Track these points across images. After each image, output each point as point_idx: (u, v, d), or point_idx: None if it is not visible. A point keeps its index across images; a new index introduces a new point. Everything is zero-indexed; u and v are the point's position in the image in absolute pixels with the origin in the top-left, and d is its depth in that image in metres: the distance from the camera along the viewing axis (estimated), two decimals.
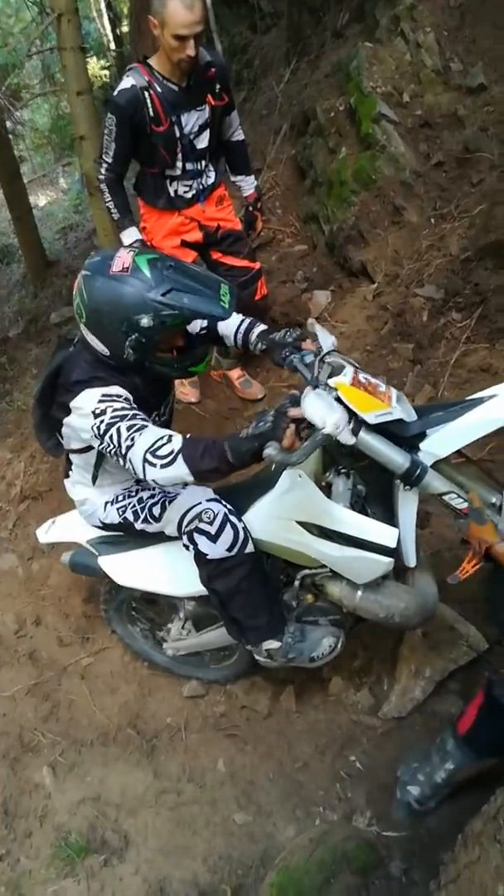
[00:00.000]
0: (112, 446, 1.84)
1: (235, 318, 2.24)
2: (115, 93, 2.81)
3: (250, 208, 3.37)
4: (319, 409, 1.71)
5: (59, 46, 3.59)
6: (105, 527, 2.32)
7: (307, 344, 2.07)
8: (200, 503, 2.06)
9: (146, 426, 1.83)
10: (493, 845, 1.28)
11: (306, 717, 2.51)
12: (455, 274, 3.29)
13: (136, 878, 2.12)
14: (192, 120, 2.90)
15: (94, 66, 9.77)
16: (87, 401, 1.91)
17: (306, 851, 1.96)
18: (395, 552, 1.94)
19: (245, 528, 2.06)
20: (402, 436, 1.86)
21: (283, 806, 2.27)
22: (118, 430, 1.82)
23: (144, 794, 2.39)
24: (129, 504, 2.22)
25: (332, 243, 4.02)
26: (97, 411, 1.87)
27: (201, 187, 3.10)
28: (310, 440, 1.70)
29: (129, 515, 2.20)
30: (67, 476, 2.34)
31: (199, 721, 2.63)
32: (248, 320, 2.27)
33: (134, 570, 2.32)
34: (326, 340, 2.02)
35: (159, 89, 2.79)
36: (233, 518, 2.05)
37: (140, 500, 2.20)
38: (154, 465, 1.75)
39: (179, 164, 2.99)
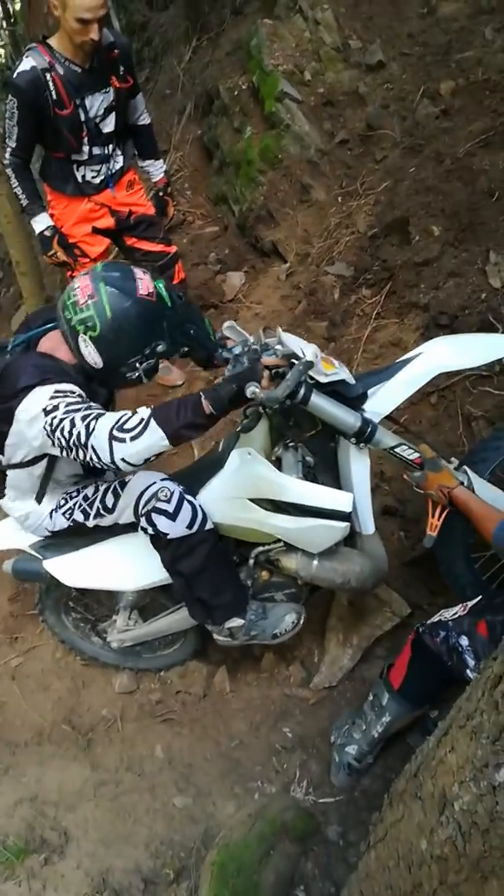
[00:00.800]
0: (67, 439, 1.73)
1: None
2: (15, 75, 2.70)
3: (160, 194, 3.32)
4: (298, 342, 1.88)
5: None
6: (54, 535, 2.22)
7: (230, 342, 2.10)
8: (155, 482, 2.01)
9: (103, 413, 1.74)
10: (415, 802, 1.33)
11: (240, 695, 2.55)
12: (363, 251, 3.35)
13: (78, 872, 2.11)
14: (96, 103, 2.82)
15: None
16: (37, 400, 1.80)
17: (246, 826, 2.00)
18: (349, 517, 1.99)
19: (201, 505, 2.04)
20: (347, 397, 1.95)
21: (222, 784, 2.30)
22: (72, 422, 1.72)
23: (83, 788, 2.37)
24: (76, 504, 2.13)
25: (243, 224, 4.01)
26: (49, 408, 1.77)
27: (110, 172, 3.03)
28: (291, 373, 1.74)
29: (79, 516, 2.12)
30: (2, 496, 2.21)
31: (134, 710, 2.62)
32: None
33: (82, 569, 2.23)
34: (248, 338, 2.07)
35: (61, 71, 2.69)
36: (188, 496, 2.02)
37: (86, 498, 2.12)
38: (122, 440, 1.66)
39: (86, 148, 2.91)
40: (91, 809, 2.30)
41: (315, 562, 2.07)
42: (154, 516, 1.98)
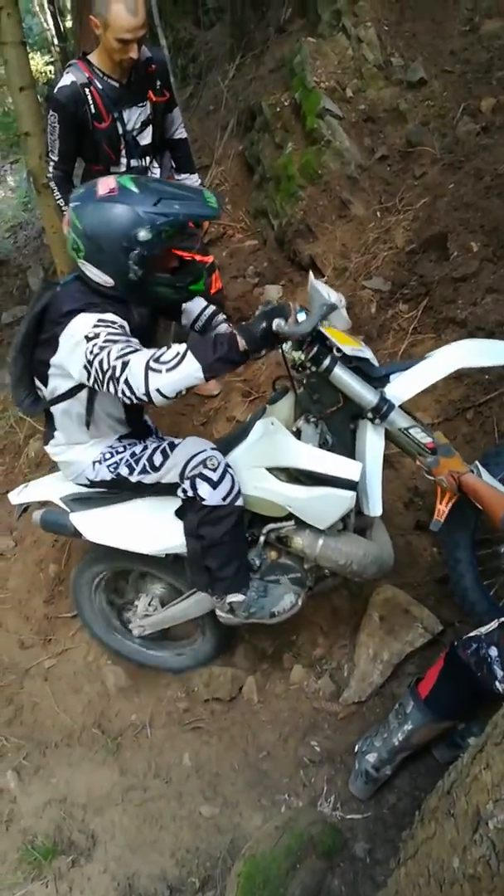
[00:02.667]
0: (102, 371, 1.79)
1: (200, 302, 2.38)
2: (55, 90, 2.78)
3: None
4: (326, 289, 2.00)
5: (0, 41, 3.52)
6: (93, 484, 2.29)
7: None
8: (205, 450, 2.09)
9: (140, 349, 1.80)
10: (448, 819, 1.32)
11: (269, 706, 2.54)
12: (401, 266, 3.35)
13: (105, 876, 2.13)
14: (134, 116, 2.89)
15: (39, 61, 9.61)
16: (80, 325, 1.87)
17: (272, 839, 2.00)
18: (357, 487, 2.05)
19: (238, 482, 2.11)
20: (370, 376, 2.05)
21: (249, 795, 2.30)
22: (108, 354, 1.78)
23: (111, 792, 2.40)
24: (122, 459, 2.20)
25: (282, 238, 4.04)
26: (90, 335, 1.83)
27: None
28: (316, 310, 1.85)
29: (123, 470, 2.19)
30: (48, 442, 2.30)
31: (163, 717, 2.64)
32: (212, 307, 2.38)
33: (106, 526, 2.31)
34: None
35: (100, 86, 2.77)
36: (230, 470, 2.09)
37: (133, 455, 2.19)
38: (159, 370, 1.73)
39: (123, 160, 2.97)
40: (118, 814, 2.32)
41: (321, 540, 2.12)
42: (198, 481, 2.06)
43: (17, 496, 2.50)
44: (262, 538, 2.24)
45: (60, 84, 2.76)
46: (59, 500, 2.38)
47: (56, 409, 2.17)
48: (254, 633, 2.67)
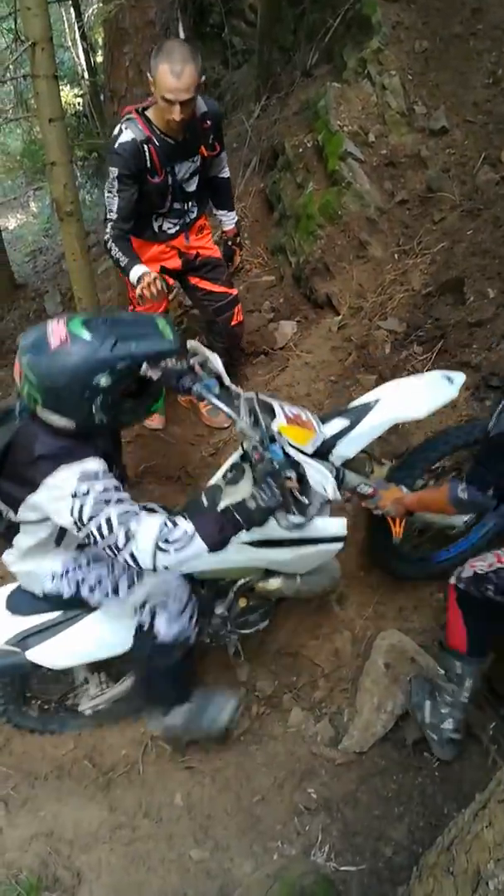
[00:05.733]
0: (102, 536, 1.78)
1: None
2: (116, 145, 2.80)
3: (229, 243, 3.43)
4: (321, 482, 2.09)
5: (33, 74, 3.60)
6: (44, 597, 2.22)
7: (198, 368, 2.24)
8: (171, 582, 2.17)
9: (137, 513, 1.81)
10: (447, 877, 1.27)
11: (265, 749, 2.49)
12: (417, 308, 3.37)
13: None
14: (184, 168, 2.96)
15: (68, 93, 9.84)
16: (64, 482, 1.80)
17: (263, 887, 1.94)
18: (343, 539, 2.20)
19: (195, 620, 2.22)
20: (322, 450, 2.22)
21: (241, 841, 2.24)
22: (108, 521, 1.77)
23: (99, 829, 2.34)
24: (83, 580, 2.18)
25: (299, 275, 4.08)
26: (77, 493, 1.78)
27: (185, 223, 3.15)
28: (313, 502, 2.02)
29: (85, 591, 2.18)
30: (1, 552, 2.20)
31: (155, 754, 2.58)
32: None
33: (67, 650, 2.26)
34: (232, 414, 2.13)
35: (157, 143, 2.81)
36: (190, 606, 2.19)
37: (98, 577, 2.17)
38: (167, 551, 1.78)
39: (167, 204, 3.03)
40: (105, 852, 2.26)
41: (298, 579, 2.27)
42: (158, 611, 2.15)
43: None
44: (231, 594, 2.32)
45: (121, 140, 2.78)
46: (6, 644, 2.25)
47: (25, 527, 2.05)
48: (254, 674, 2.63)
